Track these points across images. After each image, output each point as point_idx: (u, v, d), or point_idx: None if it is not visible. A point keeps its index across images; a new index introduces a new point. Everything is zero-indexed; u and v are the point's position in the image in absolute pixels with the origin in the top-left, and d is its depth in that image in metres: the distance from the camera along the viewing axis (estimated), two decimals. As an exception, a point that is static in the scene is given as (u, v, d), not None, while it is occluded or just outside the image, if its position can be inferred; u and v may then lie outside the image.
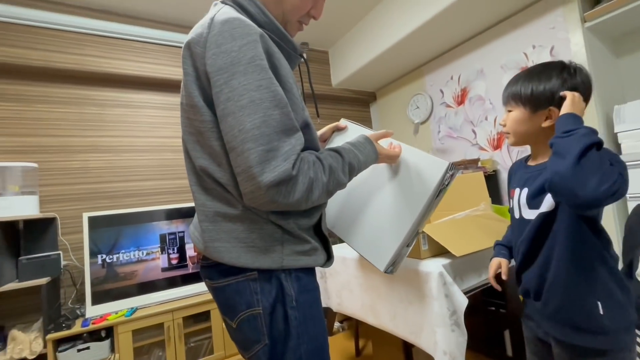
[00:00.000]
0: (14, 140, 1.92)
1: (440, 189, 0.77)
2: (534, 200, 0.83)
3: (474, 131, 2.38)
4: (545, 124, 0.80)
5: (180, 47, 2.33)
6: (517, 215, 0.89)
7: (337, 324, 2.38)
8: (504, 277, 0.92)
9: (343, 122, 1.04)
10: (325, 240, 0.74)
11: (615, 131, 1.67)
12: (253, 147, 0.54)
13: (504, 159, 2.17)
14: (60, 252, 1.82)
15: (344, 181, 0.66)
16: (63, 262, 1.85)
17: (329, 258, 0.73)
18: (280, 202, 0.56)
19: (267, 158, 0.54)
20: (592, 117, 1.74)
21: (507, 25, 2.11)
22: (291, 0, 0.69)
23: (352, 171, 0.68)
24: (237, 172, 0.57)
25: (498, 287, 0.97)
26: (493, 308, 1.83)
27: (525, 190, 0.86)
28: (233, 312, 0.64)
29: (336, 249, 1.66)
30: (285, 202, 0.57)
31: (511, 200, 0.93)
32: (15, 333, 1.60)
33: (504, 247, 1.01)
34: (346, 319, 2.38)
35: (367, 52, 2.56)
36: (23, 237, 1.79)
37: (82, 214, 1.87)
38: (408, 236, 0.78)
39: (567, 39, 1.82)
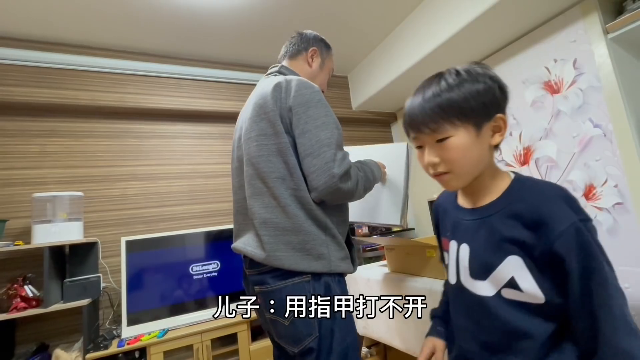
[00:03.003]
0: (64, 172, 2.13)
1: (408, 162, 1.10)
2: (481, 270, 0.58)
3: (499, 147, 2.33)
4: (496, 140, 0.59)
5: (209, 82, 2.52)
6: (453, 280, 0.64)
7: (364, 349, 2.31)
8: None
9: None
10: (350, 248, 0.94)
11: (652, 142, 1.59)
12: (327, 150, 0.80)
13: (533, 175, 2.09)
14: (100, 274, 1.95)
15: (371, 180, 0.93)
16: (102, 285, 1.97)
17: (353, 263, 0.92)
18: (343, 189, 0.80)
19: (337, 157, 0.80)
20: (624, 128, 1.67)
21: (526, 40, 2.11)
22: (319, 81, 1.09)
23: (374, 177, 0.96)
24: (312, 171, 0.80)
25: None
26: (531, 334, 1.71)
27: (466, 249, 0.61)
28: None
29: (360, 270, 1.65)
30: (346, 189, 0.81)
31: (446, 255, 0.68)
32: (58, 352, 1.70)
33: (441, 322, 0.76)
34: (374, 344, 2.31)
35: (385, 75, 2.62)
36: (68, 261, 1.93)
37: (120, 238, 2.00)
38: (404, 198, 1.10)
39: (590, 51, 1.78)
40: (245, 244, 0.88)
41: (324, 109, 0.85)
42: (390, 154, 1.12)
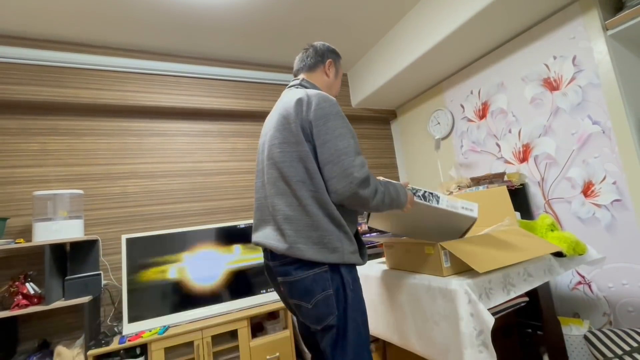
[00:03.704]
0: (65, 170, 2.14)
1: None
2: None
3: (498, 145, 2.33)
4: None
5: (208, 79, 2.53)
6: None
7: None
8: None
9: None
10: (360, 244, 1.07)
11: (651, 139, 1.59)
12: (346, 158, 0.92)
13: (532, 172, 2.10)
14: (101, 272, 1.96)
15: (394, 197, 0.99)
16: (103, 282, 1.98)
17: (362, 257, 1.05)
18: (361, 195, 0.91)
19: (355, 163, 0.91)
20: (623, 125, 1.67)
21: (525, 37, 2.11)
22: (335, 88, 1.23)
23: (395, 204, 1.01)
24: (333, 176, 0.92)
25: None
26: (529, 330, 1.72)
27: None
28: (311, 295, 0.92)
29: (359, 268, 1.66)
30: (364, 195, 0.91)
31: None
32: (60, 349, 1.71)
33: None
34: (374, 340, 2.32)
35: (385, 72, 2.62)
36: (69, 258, 1.95)
37: (120, 236, 2.02)
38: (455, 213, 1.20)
39: (589, 48, 1.78)
40: (266, 237, 1.00)
41: (341, 120, 0.98)
42: (461, 219, 1.24)
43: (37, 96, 2.05)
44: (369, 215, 1.27)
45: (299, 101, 0.99)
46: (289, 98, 1.04)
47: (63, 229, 1.83)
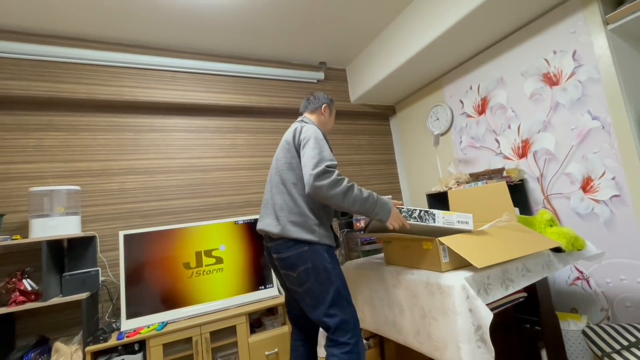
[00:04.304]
0: (62, 166, 2.12)
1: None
2: None
3: (497, 140, 2.32)
4: None
5: (205, 74, 2.51)
6: None
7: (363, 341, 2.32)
8: None
9: None
10: (335, 235, 1.39)
11: (651, 134, 1.58)
12: (311, 160, 1.23)
13: (531, 168, 2.09)
14: (99, 268, 1.95)
15: (365, 199, 1.22)
16: (101, 278, 1.98)
17: (337, 244, 1.38)
18: (318, 185, 1.18)
19: (315, 164, 1.22)
20: (622, 120, 1.66)
21: (525, 32, 2.09)
22: (329, 124, 1.61)
23: (362, 205, 1.22)
24: (304, 175, 1.25)
25: None
26: (527, 325, 1.73)
27: None
28: (295, 268, 1.27)
29: (357, 263, 1.66)
30: (321, 185, 1.18)
31: None
32: (58, 345, 1.71)
33: None
34: (371, 336, 2.33)
35: (384, 68, 2.61)
36: (67, 255, 1.94)
37: (118, 232, 2.01)
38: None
39: (590, 43, 1.77)
40: (266, 225, 1.34)
41: (315, 141, 1.30)
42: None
43: (33, 91, 2.03)
44: (366, 227, 1.45)
45: (295, 129, 1.40)
46: (292, 128, 1.44)
47: (60, 225, 1.82)
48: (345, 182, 1.21)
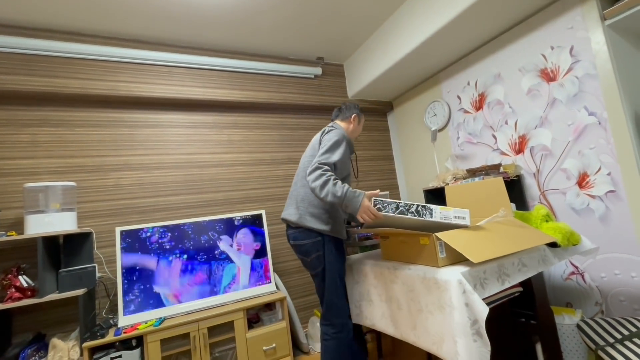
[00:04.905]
0: (56, 162, 2.10)
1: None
2: None
3: (494, 136, 2.33)
4: None
5: (201, 69, 2.49)
6: None
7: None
8: None
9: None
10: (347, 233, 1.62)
11: (647, 130, 1.59)
12: (314, 161, 1.42)
13: (528, 163, 2.10)
14: (96, 264, 1.94)
15: (336, 192, 1.32)
16: (98, 274, 1.97)
17: (348, 238, 1.62)
18: (308, 179, 1.38)
19: (314, 161, 1.42)
20: (619, 116, 1.67)
21: (523, 27, 2.09)
22: (357, 132, 1.77)
23: (333, 197, 1.32)
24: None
25: None
26: (523, 319, 1.74)
27: None
28: (309, 254, 1.49)
29: (355, 259, 1.66)
30: (309, 178, 1.37)
31: None
32: (55, 341, 1.71)
33: None
34: (369, 331, 2.34)
35: (381, 63, 2.59)
36: (63, 251, 1.93)
37: (114, 229, 2.00)
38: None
39: (587, 38, 1.77)
40: (288, 214, 1.56)
41: (331, 145, 1.47)
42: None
43: (27, 86, 2.00)
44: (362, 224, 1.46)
45: (323, 131, 1.60)
46: (321, 130, 1.63)
47: (56, 222, 1.81)
48: (324, 177, 1.34)
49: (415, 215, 1.22)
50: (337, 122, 1.73)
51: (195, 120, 2.55)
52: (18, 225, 1.92)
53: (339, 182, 1.34)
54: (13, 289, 1.69)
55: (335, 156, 1.42)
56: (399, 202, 1.25)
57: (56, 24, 2.07)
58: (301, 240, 1.49)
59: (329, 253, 1.47)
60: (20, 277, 1.74)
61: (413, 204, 1.24)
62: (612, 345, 1.35)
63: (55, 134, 2.13)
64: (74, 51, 2.11)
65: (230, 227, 2.24)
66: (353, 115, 1.73)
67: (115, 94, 2.21)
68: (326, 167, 1.37)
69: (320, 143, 1.53)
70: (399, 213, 1.22)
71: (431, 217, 1.23)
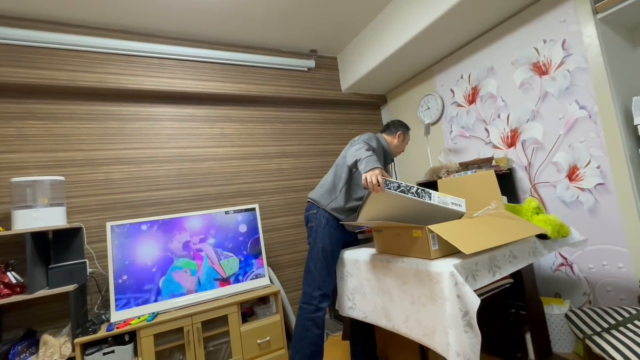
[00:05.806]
0: (44, 156, 2.06)
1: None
2: None
3: (486, 129, 2.34)
4: None
5: (193, 61, 2.44)
6: None
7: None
8: None
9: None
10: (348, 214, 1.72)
11: (635, 123, 1.61)
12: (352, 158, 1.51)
13: (519, 157, 2.12)
14: (86, 260, 1.92)
15: (355, 154, 1.46)
16: (89, 270, 1.95)
17: (342, 216, 1.70)
18: (351, 158, 1.51)
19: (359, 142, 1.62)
20: (609, 109, 1.68)
21: (516, 21, 2.08)
22: (400, 148, 1.90)
23: (356, 155, 1.44)
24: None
25: None
26: (513, 310, 1.78)
27: None
28: (307, 223, 1.73)
29: (348, 252, 1.67)
30: (351, 149, 1.56)
31: None
32: (46, 337, 1.69)
33: None
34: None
35: (374, 56, 2.58)
36: (52, 247, 1.90)
37: (105, 224, 1.97)
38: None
39: (579, 32, 1.78)
40: (312, 194, 1.75)
41: (366, 136, 1.69)
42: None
43: (11, 78, 1.94)
44: (359, 212, 1.45)
45: (363, 134, 1.73)
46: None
47: (44, 217, 1.77)
48: (361, 145, 1.50)
49: (415, 196, 1.22)
50: (383, 134, 1.86)
51: (187, 113, 2.51)
52: (5, 220, 1.88)
53: (367, 154, 1.41)
54: (1, 285, 1.66)
55: (372, 144, 1.62)
56: (401, 182, 1.25)
57: (43, 14, 2.01)
58: (307, 211, 1.73)
59: (319, 225, 1.64)
60: (8, 273, 1.71)
61: (413, 186, 1.24)
62: (599, 334, 1.38)
63: (43, 127, 2.08)
64: (61, 42, 2.06)
65: (223, 222, 2.22)
66: (399, 132, 1.85)
67: (104, 87, 2.17)
68: (368, 146, 1.53)
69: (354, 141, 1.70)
70: (400, 192, 1.22)
71: (430, 199, 1.24)
